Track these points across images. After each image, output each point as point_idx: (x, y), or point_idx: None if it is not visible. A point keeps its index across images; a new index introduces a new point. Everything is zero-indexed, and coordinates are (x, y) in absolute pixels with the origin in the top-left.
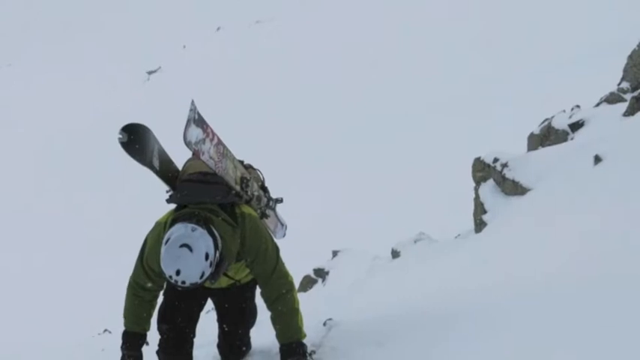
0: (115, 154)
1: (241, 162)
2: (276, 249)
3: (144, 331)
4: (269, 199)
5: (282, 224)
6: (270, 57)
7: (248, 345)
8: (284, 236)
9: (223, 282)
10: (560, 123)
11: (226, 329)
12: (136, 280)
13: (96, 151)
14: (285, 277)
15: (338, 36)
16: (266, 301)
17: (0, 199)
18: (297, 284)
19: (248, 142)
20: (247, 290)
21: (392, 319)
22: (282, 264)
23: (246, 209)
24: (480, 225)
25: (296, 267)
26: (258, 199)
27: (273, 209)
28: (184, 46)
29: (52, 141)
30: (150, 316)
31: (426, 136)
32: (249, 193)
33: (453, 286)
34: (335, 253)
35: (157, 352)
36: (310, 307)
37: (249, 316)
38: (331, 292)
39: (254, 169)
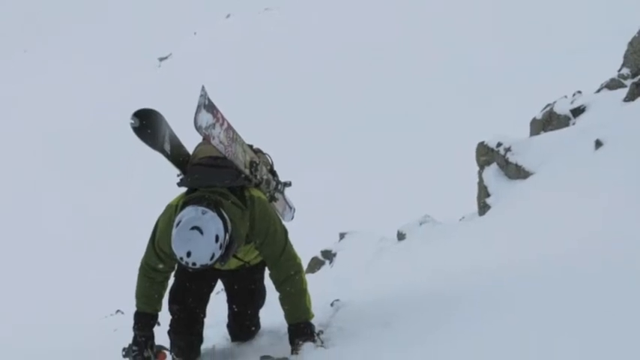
0: (127, 139)
1: (250, 146)
2: (285, 231)
3: (155, 312)
4: (278, 182)
5: (291, 207)
6: (278, 43)
7: (257, 325)
8: (292, 219)
9: (233, 264)
10: (562, 108)
11: (236, 310)
12: (147, 262)
13: (109, 137)
14: (293, 259)
15: (347, 21)
16: (275, 282)
17: (16, 181)
18: (305, 266)
19: (257, 126)
20: (256, 272)
21: (398, 300)
22: (291, 246)
23: (256, 192)
24: (483, 208)
25: (304, 249)
26: (267, 182)
27: (282, 192)
28: (195, 33)
29: (65, 127)
30: (161, 297)
31: (431, 121)
32: (258, 176)
33: (458, 267)
34: (342, 236)
35: (168, 332)
36: (318, 288)
37: (258, 297)
38: (338, 274)
39: (263, 154)
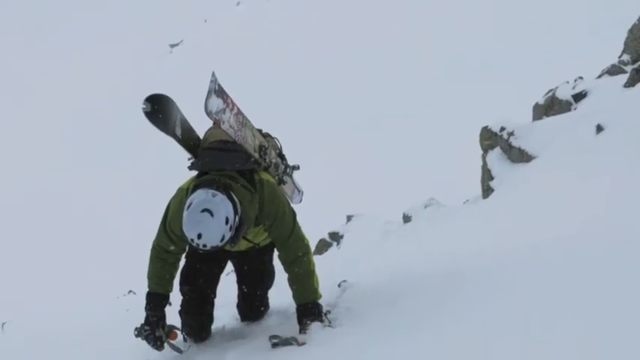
0: (139, 124)
1: (260, 131)
2: (293, 214)
3: (167, 293)
4: (286, 166)
5: (299, 190)
6: (287, 31)
7: (266, 305)
8: (300, 202)
9: (243, 245)
10: (564, 94)
11: (245, 290)
12: (159, 244)
13: (121, 122)
14: (301, 240)
15: (356, 8)
16: (283, 263)
17: (31, 169)
18: (312, 247)
19: (266, 111)
20: (265, 253)
21: (404, 281)
22: (299, 228)
23: (265, 176)
24: (487, 191)
25: (312, 231)
26: (276, 166)
27: (290, 176)
28: (205, 20)
29: (79, 114)
30: (172, 278)
31: (436, 106)
32: (267, 160)
33: (462, 249)
34: (349, 218)
35: (179, 313)
36: (325, 269)
37: (267, 278)
38: (346, 255)
39: (272, 138)
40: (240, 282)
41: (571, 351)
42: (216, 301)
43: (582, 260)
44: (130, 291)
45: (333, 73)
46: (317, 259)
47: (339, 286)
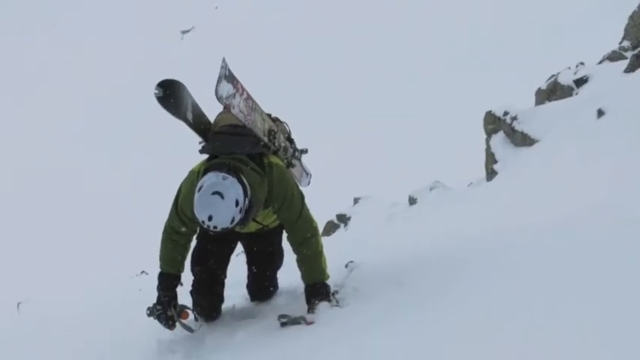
0: (151, 110)
1: (269, 115)
2: (302, 196)
3: (178, 273)
4: (295, 149)
5: (307, 173)
6: (298, 16)
7: (275, 286)
8: (309, 184)
9: (252, 227)
10: (566, 79)
11: (255, 271)
12: (170, 225)
13: (134, 108)
14: (309, 222)
15: None
16: (292, 244)
17: (46, 154)
18: (320, 229)
19: (275, 96)
20: (275, 235)
21: (410, 262)
22: (307, 210)
23: (274, 159)
24: (491, 174)
25: (320, 213)
26: (285, 149)
27: (299, 159)
28: (216, 7)
29: (92, 101)
30: (184, 258)
31: (440, 91)
32: (276, 144)
33: (466, 231)
34: (356, 200)
35: (191, 292)
36: (333, 250)
37: (276, 259)
38: (353, 237)
39: (281, 122)
40: (249, 263)
41: (573, 336)
42: (227, 281)
43: (584, 243)
44: (143, 271)
45: (345, 56)
46: (325, 241)
47: (346, 266)
